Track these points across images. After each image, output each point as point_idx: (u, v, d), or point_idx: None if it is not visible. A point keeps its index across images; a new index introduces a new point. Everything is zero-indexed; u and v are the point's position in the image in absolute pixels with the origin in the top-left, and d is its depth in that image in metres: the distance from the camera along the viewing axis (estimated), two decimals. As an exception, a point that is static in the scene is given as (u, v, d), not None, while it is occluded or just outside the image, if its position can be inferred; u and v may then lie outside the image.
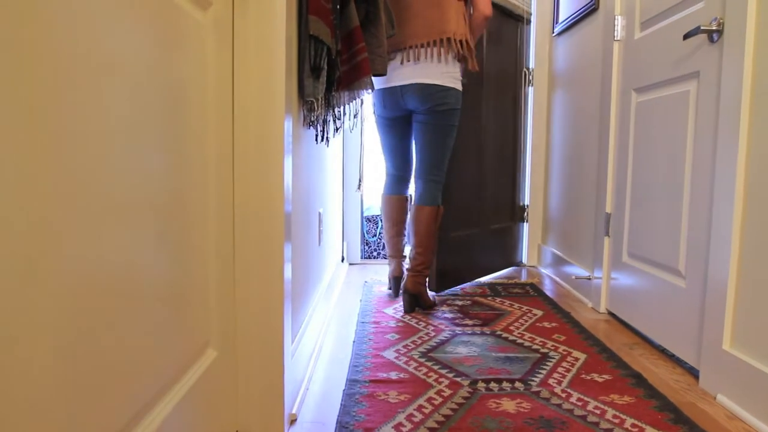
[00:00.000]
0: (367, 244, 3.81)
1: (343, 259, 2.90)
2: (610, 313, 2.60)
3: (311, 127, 1.83)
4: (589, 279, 2.76)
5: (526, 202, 3.71)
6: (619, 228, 2.48)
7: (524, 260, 3.78)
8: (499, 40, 3.14)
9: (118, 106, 0.74)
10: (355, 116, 2.03)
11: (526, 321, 2.46)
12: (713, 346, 1.74)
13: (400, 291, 2.82)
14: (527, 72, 3.59)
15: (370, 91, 1.90)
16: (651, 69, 2.21)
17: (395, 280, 2.84)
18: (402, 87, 2.55)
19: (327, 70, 1.67)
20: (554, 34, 3.48)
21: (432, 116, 2.57)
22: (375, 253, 3.83)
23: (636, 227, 2.34)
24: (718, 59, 1.77)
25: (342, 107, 1.92)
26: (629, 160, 2.40)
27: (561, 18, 3.31)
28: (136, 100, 0.79)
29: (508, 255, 3.51)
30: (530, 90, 3.64)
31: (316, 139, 1.87)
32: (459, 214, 2.92)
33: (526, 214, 3.71)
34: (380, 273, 3.48)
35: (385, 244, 2.89)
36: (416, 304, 2.61)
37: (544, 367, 1.91)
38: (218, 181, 1.20)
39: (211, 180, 1.16)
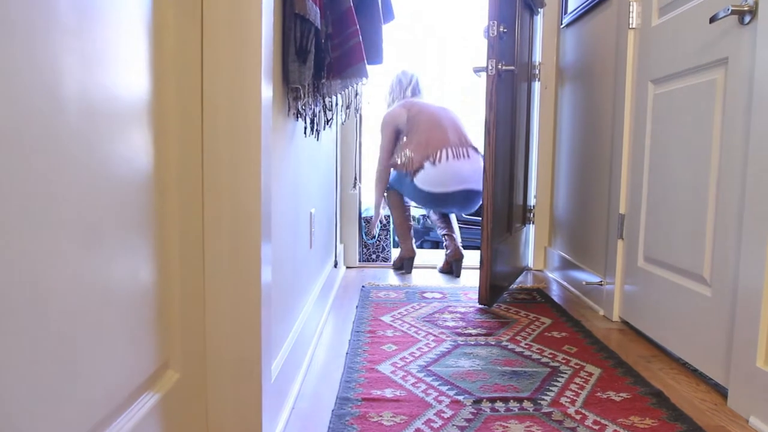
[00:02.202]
0: (365, 246, 3.64)
1: (336, 264, 2.73)
2: (624, 322, 2.42)
3: (299, 119, 1.66)
4: (601, 285, 2.58)
5: (532, 202, 3.53)
6: (633, 230, 2.31)
7: (530, 264, 3.60)
8: (522, 34, 2.97)
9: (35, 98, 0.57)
10: (347, 107, 1.86)
11: (534, 330, 2.28)
12: (745, 363, 1.56)
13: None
14: (534, 66, 3.41)
15: (364, 79, 1.72)
16: (670, 58, 2.03)
17: (410, 260, 3.44)
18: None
19: (316, 54, 1.49)
20: (562, 26, 3.30)
21: None
22: (374, 256, 3.66)
23: (653, 229, 2.16)
24: (751, 43, 1.60)
25: (333, 97, 1.74)
26: (645, 157, 2.23)
27: (570, 8, 3.14)
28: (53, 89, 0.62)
29: (519, 259, 3.33)
30: (536, 85, 3.46)
31: (305, 132, 1.70)
32: (499, 222, 2.74)
33: (532, 215, 3.54)
34: (378, 277, 3.30)
35: (398, 230, 3.46)
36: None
37: (555, 383, 1.74)
38: (181, 176, 1.03)
39: (171, 176, 0.99)
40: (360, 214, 3.58)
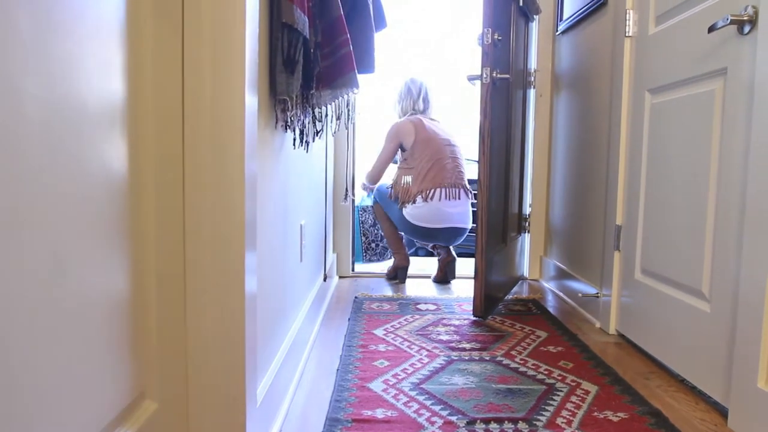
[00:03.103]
0: (369, 247, 3.63)
1: (325, 278, 2.67)
2: (621, 335, 2.37)
3: (288, 130, 1.61)
4: (597, 297, 2.54)
5: (528, 211, 3.49)
6: (630, 241, 2.26)
7: (525, 273, 3.55)
8: (517, 41, 2.93)
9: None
10: (338, 118, 1.81)
11: (529, 344, 2.23)
12: (745, 383, 1.52)
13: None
14: (529, 74, 3.37)
15: (355, 90, 1.67)
16: (668, 67, 1.99)
17: (404, 269, 3.43)
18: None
19: (304, 64, 1.45)
20: (558, 33, 3.26)
21: None
22: (376, 257, 3.66)
23: (650, 241, 2.12)
24: (751, 53, 1.56)
25: (323, 108, 1.69)
26: (642, 168, 2.19)
27: (565, 15, 3.10)
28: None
29: (514, 269, 3.28)
30: (531, 92, 3.42)
31: (294, 144, 1.65)
32: (494, 232, 2.69)
33: (527, 224, 3.49)
34: (372, 287, 3.25)
35: (390, 242, 3.46)
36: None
37: (551, 402, 1.69)
38: (160, 189, 0.98)
39: (149, 195, 0.94)
40: (355, 221, 3.53)
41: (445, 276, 3.41)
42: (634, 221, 2.24)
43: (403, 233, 3.41)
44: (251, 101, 1.15)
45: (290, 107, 1.42)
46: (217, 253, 1.12)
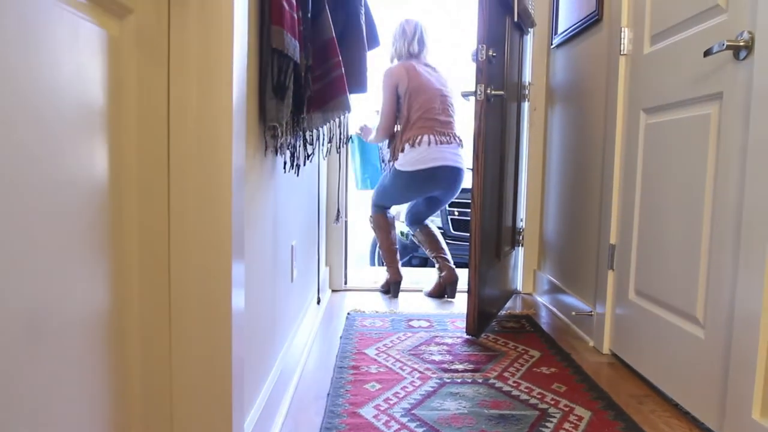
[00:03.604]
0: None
1: (318, 301, 2.65)
2: (614, 355, 2.35)
3: (278, 155, 1.59)
4: (591, 315, 2.52)
5: (522, 225, 3.47)
6: (624, 261, 2.25)
7: (519, 287, 3.53)
8: (512, 55, 2.91)
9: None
10: (330, 141, 1.79)
11: (523, 365, 2.21)
12: (739, 413, 1.50)
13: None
14: (524, 87, 3.36)
15: (347, 112, 1.65)
16: (663, 88, 1.98)
17: (397, 284, 3.37)
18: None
19: (295, 89, 1.42)
20: (552, 47, 3.25)
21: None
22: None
23: (644, 262, 2.10)
24: (746, 79, 1.54)
25: (315, 131, 1.67)
26: (637, 187, 2.17)
27: (560, 29, 3.09)
28: None
29: (508, 283, 3.26)
30: (525, 105, 3.40)
31: (285, 168, 1.62)
32: (488, 248, 2.67)
33: (521, 237, 3.47)
34: (365, 302, 3.23)
35: (385, 256, 3.39)
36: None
37: (544, 429, 1.67)
38: (143, 227, 0.95)
39: (132, 229, 0.92)
40: (346, 237, 3.50)
41: (441, 292, 3.37)
42: (628, 241, 2.22)
43: (401, 201, 3.33)
44: (239, 131, 1.13)
45: (280, 134, 1.39)
46: (203, 286, 1.09)
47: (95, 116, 0.79)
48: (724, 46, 1.55)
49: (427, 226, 3.41)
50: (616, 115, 2.31)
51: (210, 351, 1.11)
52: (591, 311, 2.52)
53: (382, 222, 3.39)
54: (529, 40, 3.35)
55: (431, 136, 3.12)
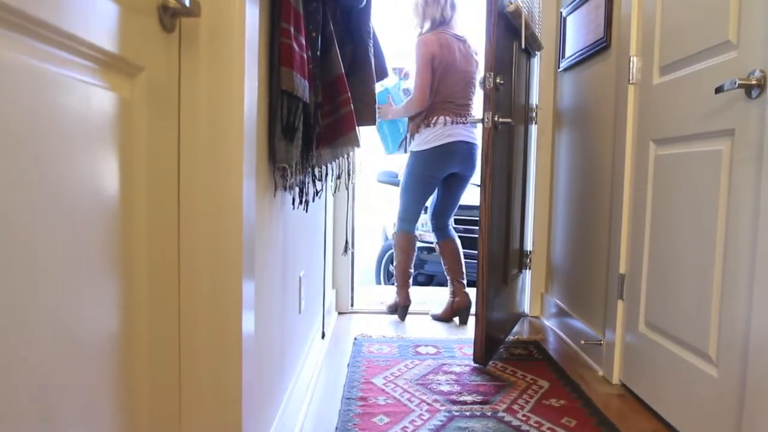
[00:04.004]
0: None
1: (323, 336, 2.64)
2: (624, 386, 2.33)
3: (287, 191, 1.58)
4: (600, 344, 2.49)
5: (529, 247, 3.45)
6: (634, 292, 2.23)
7: (526, 310, 3.51)
8: (519, 77, 2.91)
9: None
10: (338, 177, 1.78)
11: (532, 396, 2.19)
12: (756, 457, 1.47)
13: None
14: (531, 109, 3.35)
15: (356, 147, 1.64)
16: (673, 120, 1.97)
17: (405, 308, 3.32)
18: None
19: (304, 129, 1.42)
20: (560, 70, 3.24)
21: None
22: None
23: (655, 294, 2.08)
24: (759, 118, 1.53)
25: (323, 167, 1.66)
26: (647, 217, 2.15)
27: (567, 53, 3.08)
28: None
29: (515, 306, 3.24)
30: (533, 128, 3.39)
31: (293, 204, 1.62)
32: (495, 276, 2.64)
33: (529, 260, 3.46)
34: (371, 325, 3.21)
35: (399, 277, 3.31)
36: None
37: (555, 469, 1.65)
38: (152, 271, 0.94)
39: (141, 275, 0.91)
40: (352, 263, 3.47)
41: (450, 316, 3.31)
42: (638, 271, 2.20)
43: (426, 190, 3.22)
44: (249, 177, 1.12)
45: (290, 174, 1.39)
46: (213, 310, 1.08)
47: (107, 185, 0.79)
48: (736, 85, 1.54)
49: (453, 240, 3.31)
50: (625, 145, 2.29)
51: (219, 377, 1.10)
52: (600, 340, 2.50)
53: (405, 243, 3.29)
54: (536, 62, 3.35)
55: (447, 117, 3.08)
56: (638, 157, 2.22)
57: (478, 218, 2.47)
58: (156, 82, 0.94)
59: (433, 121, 3.08)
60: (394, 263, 3.37)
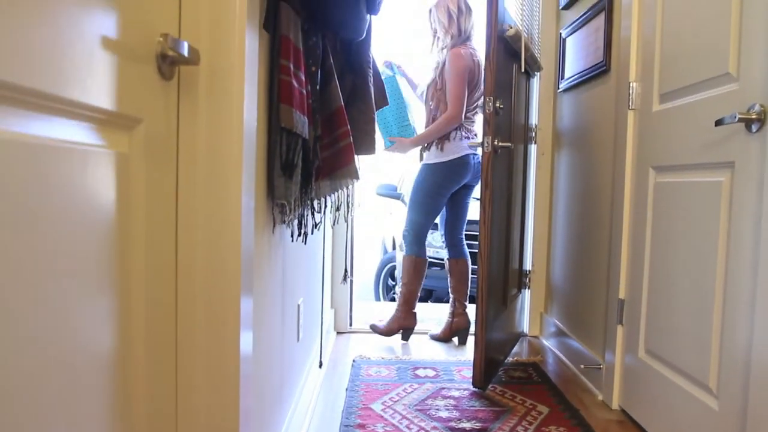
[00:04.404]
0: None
1: (321, 365, 2.63)
2: (624, 411, 2.32)
3: (285, 225, 1.57)
4: (600, 368, 2.48)
5: (529, 267, 3.45)
6: (634, 318, 2.22)
7: (526, 329, 3.50)
8: (518, 98, 2.91)
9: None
10: (338, 209, 1.77)
11: (531, 423, 2.18)
12: (757, 494, 1.46)
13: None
14: (531, 129, 3.35)
15: (355, 180, 1.64)
16: (673, 148, 1.97)
17: (410, 329, 3.28)
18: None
19: (303, 165, 1.41)
20: (559, 91, 3.24)
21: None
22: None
23: (655, 321, 2.07)
24: (760, 152, 1.52)
25: (322, 199, 1.66)
26: (647, 243, 2.15)
27: (566, 74, 3.08)
28: None
29: (514, 326, 3.23)
30: (532, 148, 3.39)
31: (292, 237, 1.61)
32: (495, 297, 2.63)
33: (528, 280, 3.45)
34: (370, 344, 3.20)
35: (405, 298, 3.23)
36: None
37: (555, 503, 1.63)
38: (149, 314, 0.94)
39: (138, 318, 0.90)
40: (351, 283, 3.45)
41: (449, 336, 3.29)
42: (637, 297, 2.20)
43: (438, 204, 3.17)
44: (247, 220, 1.11)
45: (288, 211, 1.38)
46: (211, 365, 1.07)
47: (104, 241, 0.78)
48: (736, 119, 1.54)
49: (466, 262, 3.29)
50: (624, 170, 2.29)
51: (216, 404, 1.09)
52: (600, 365, 2.49)
53: (417, 266, 3.22)
54: (535, 82, 3.36)
55: (462, 132, 3.09)
56: (638, 183, 2.22)
57: (478, 233, 2.46)
58: (154, 133, 0.93)
59: (452, 136, 3.07)
60: (401, 287, 3.29)
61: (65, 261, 0.68)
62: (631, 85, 2.25)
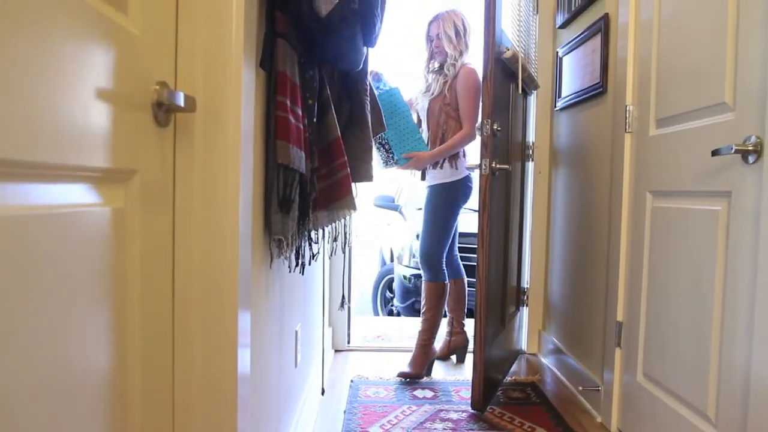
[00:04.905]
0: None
1: (323, 392, 2.63)
2: (623, 434, 2.31)
3: (283, 258, 1.57)
4: (598, 390, 2.48)
5: (526, 284, 3.44)
6: (632, 341, 2.21)
7: (524, 347, 3.49)
8: (515, 116, 2.91)
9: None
10: (335, 240, 1.77)
11: (530, 448, 2.17)
12: None
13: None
14: (528, 147, 3.36)
15: (353, 211, 1.64)
16: (670, 174, 1.97)
17: (432, 361, 3.09)
18: None
19: (301, 200, 1.41)
20: (556, 109, 3.25)
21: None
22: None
23: (653, 345, 2.07)
24: (756, 183, 1.53)
25: (320, 230, 1.66)
26: (644, 267, 2.14)
27: (564, 93, 3.09)
28: None
29: (513, 344, 3.23)
30: (529, 165, 3.40)
31: (290, 269, 1.61)
32: (493, 318, 2.62)
33: (526, 297, 3.45)
34: (367, 364, 3.19)
35: (429, 329, 3.04)
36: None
37: None
38: (146, 343, 0.93)
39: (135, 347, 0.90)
40: (349, 299, 3.44)
41: (447, 355, 3.27)
42: (635, 319, 2.20)
43: (453, 223, 3.06)
44: (245, 260, 1.11)
45: (285, 246, 1.38)
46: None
47: (98, 306, 0.78)
48: (733, 150, 1.54)
49: (462, 281, 3.25)
50: (622, 193, 2.29)
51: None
52: (599, 387, 2.48)
53: (439, 295, 3.04)
54: (532, 100, 3.36)
55: (463, 149, 3.05)
56: (635, 206, 2.22)
57: (475, 245, 2.44)
58: (150, 181, 0.93)
59: (460, 153, 3.01)
60: (423, 321, 3.06)
61: (62, 319, 0.68)
62: (627, 108, 2.26)
